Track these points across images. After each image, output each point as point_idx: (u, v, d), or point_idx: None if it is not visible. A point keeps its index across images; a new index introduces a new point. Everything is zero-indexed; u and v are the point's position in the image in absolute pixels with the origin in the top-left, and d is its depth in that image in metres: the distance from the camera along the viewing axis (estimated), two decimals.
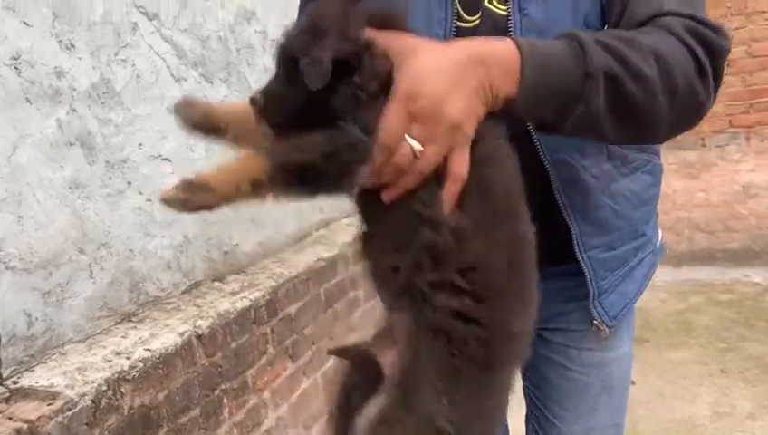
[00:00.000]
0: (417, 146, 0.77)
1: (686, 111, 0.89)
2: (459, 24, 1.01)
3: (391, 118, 0.78)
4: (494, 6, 1.01)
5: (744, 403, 2.97)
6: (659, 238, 1.24)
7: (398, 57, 0.80)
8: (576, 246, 1.08)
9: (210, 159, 2.30)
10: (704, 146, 4.84)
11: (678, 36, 0.86)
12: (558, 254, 1.08)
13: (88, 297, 1.71)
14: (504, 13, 0.99)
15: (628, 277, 1.16)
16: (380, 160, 0.78)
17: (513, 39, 0.82)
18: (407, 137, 0.77)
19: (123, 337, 1.75)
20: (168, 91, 2.11)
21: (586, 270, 1.10)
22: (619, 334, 1.21)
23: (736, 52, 4.76)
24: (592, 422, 1.24)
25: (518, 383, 1.34)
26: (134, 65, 1.96)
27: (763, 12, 4.69)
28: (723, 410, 2.94)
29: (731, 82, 4.75)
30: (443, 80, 0.77)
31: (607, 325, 1.14)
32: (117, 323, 1.81)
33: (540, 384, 1.28)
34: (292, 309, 2.44)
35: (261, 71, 2.69)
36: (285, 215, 2.82)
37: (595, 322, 1.14)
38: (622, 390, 1.28)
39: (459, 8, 1.01)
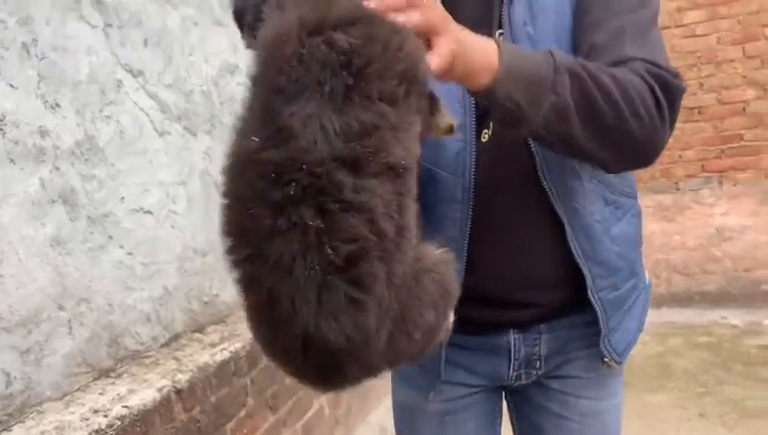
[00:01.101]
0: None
1: (645, 134, 0.94)
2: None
3: None
4: None
5: None
6: (647, 276, 1.32)
7: None
8: (589, 289, 1.14)
9: (192, 210, 2.33)
10: (678, 190, 4.96)
11: (638, 73, 0.93)
12: (568, 304, 1.17)
13: (66, 354, 1.72)
14: None
15: (628, 315, 1.23)
16: None
17: (497, 43, 0.87)
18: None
19: (101, 394, 1.74)
20: (152, 145, 2.15)
21: (598, 311, 1.16)
22: (614, 382, 1.27)
23: (707, 99, 4.93)
24: None
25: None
26: (118, 121, 2.00)
27: (732, 61, 4.87)
28: None
29: (703, 129, 4.91)
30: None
31: (616, 361, 1.20)
32: (95, 379, 1.81)
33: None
34: None
35: None
36: None
37: (606, 359, 1.20)
38: None
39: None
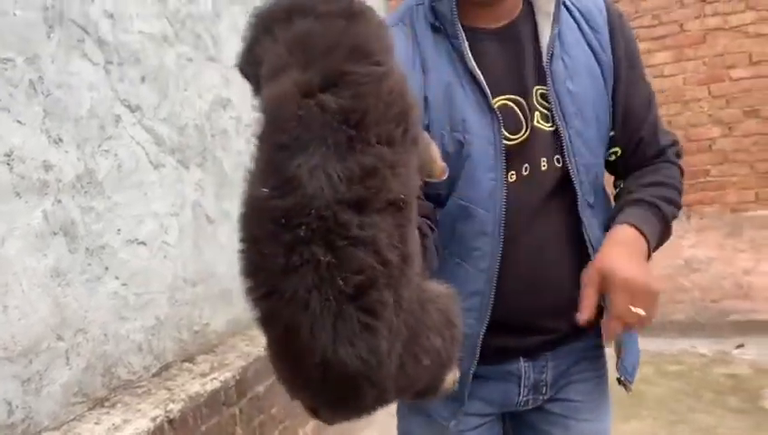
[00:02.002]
0: (640, 312, 1.11)
1: (681, 196, 1.32)
2: (506, 142, 1.20)
3: (618, 300, 1.11)
4: (542, 125, 1.22)
5: None
6: None
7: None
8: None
9: (183, 241, 2.39)
10: None
11: (674, 162, 1.31)
12: (578, 330, 1.26)
13: (64, 383, 1.75)
14: (550, 129, 1.22)
15: (632, 337, 1.34)
16: (617, 326, 1.13)
17: (630, 224, 1.19)
18: (631, 307, 1.11)
19: (96, 423, 1.77)
20: (147, 177, 2.21)
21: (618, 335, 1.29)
22: (607, 404, 1.38)
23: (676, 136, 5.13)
24: None
25: None
26: (116, 155, 2.06)
27: (699, 100, 5.10)
28: None
29: None
30: (634, 265, 1.13)
31: (629, 381, 1.32)
32: (90, 408, 1.84)
33: None
34: (261, 388, 2.48)
35: (235, 154, 2.83)
36: None
37: (622, 380, 1.31)
38: None
39: (504, 131, 1.20)
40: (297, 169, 0.73)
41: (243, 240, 0.79)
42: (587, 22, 1.26)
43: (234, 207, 2.78)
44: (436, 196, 1.22)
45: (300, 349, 0.75)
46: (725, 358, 4.61)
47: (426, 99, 1.20)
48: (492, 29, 1.24)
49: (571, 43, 1.24)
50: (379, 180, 0.76)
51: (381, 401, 0.83)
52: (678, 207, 1.28)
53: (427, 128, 1.20)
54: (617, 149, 1.32)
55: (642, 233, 1.17)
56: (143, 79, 2.22)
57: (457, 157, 1.19)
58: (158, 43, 2.30)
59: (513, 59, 1.23)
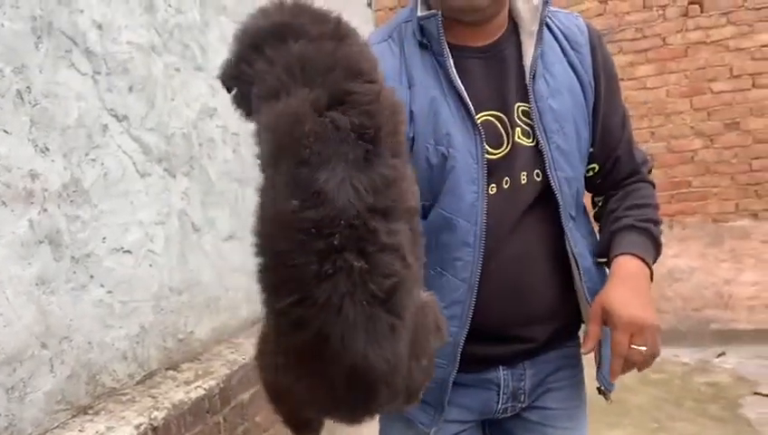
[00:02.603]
0: (641, 348, 1.17)
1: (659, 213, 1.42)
2: (488, 156, 1.25)
3: (620, 339, 1.17)
4: (522, 141, 1.28)
5: None
6: None
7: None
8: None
9: (169, 249, 2.40)
10: None
11: (651, 182, 1.42)
12: (555, 339, 1.34)
13: (47, 391, 1.75)
14: (531, 144, 1.28)
15: (608, 347, 1.37)
16: (619, 363, 1.18)
17: (632, 254, 1.27)
18: (632, 345, 1.17)
19: (80, 431, 1.78)
20: (133, 186, 2.23)
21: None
22: (583, 412, 1.42)
23: (658, 147, 5.22)
24: None
25: None
26: (103, 164, 2.07)
27: (681, 112, 5.19)
28: None
29: (654, 175, 5.17)
30: (636, 304, 1.20)
31: (608, 389, 1.36)
32: (74, 416, 1.85)
33: None
34: (245, 396, 2.49)
35: (221, 162, 2.85)
36: (240, 300, 2.91)
37: (602, 389, 1.36)
38: None
39: (486, 145, 1.26)
40: (324, 183, 0.78)
41: (265, 255, 0.83)
42: (568, 41, 1.32)
43: (220, 215, 2.80)
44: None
45: (331, 353, 0.79)
46: (706, 367, 4.67)
47: (411, 112, 1.25)
48: (477, 47, 1.29)
49: (553, 61, 1.30)
50: (399, 190, 0.83)
51: (392, 401, 0.87)
52: (661, 224, 1.36)
53: (413, 141, 1.24)
54: (594, 165, 1.38)
55: (645, 262, 1.25)
56: (131, 89, 2.24)
57: (441, 169, 1.23)
58: (146, 54, 2.32)
59: (496, 77, 1.28)
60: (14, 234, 1.69)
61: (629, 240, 1.28)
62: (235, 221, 2.90)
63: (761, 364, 4.59)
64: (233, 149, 2.95)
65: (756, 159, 5.04)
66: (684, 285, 5.14)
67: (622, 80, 5.30)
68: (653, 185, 1.42)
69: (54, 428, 1.76)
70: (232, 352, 2.61)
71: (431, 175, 1.24)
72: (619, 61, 5.11)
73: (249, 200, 3.02)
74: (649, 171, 1.42)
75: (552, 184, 1.26)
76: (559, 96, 1.28)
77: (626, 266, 1.25)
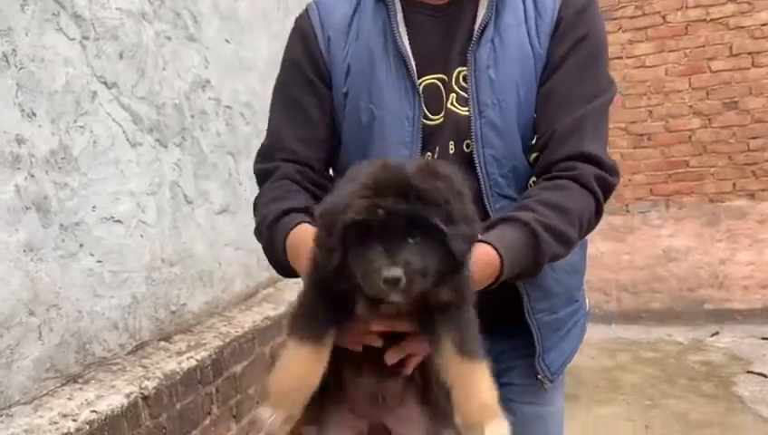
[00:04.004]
0: None
1: (584, 236, 1.22)
2: (425, 121, 1.20)
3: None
4: (456, 108, 1.21)
5: None
6: (588, 303, 1.45)
7: None
8: (525, 309, 1.27)
9: (161, 220, 2.37)
10: (627, 211, 5.20)
11: (591, 190, 1.16)
12: (507, 316, 1.26)
13: (36, 359, 1.74)
14: (465, 114, 1.20)
15: (566, 337, 1.35)
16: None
17: (495, 247, 1.06)
18: None
19: (69, 399, 1.76)
20: (124, 155, 2.19)
21: (534, 331, 1.28)
22: (555, 390, 1.38)
23: (656, 127, 5.19)
24: None
25: None
26: (92, 131, 2.04)
27: (679, 91, 5.16)
28: None
29: (651, 155, 5.17)
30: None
31: (549, 380, 1.32)
32: (63, 384, 1.83)
33: None
34: (238, 368, 2.48)
35: (213, 135, 2.81)
36: (234, 274, 2.89)
37: (539, 377, 1.31)
38: None
39: (425, 109, 1.19)
40: None
41: None
42: (535, 4, 1.22)
43: (213, 188, 2.77)
44: (346, 166, 1.23)
45: None
46: (700, 346, 4.70)
47: (349, 66, 1.22)
48: (434, 5, 1.24)
49: (510, 25, 1.21)
50: None
51: None
52: (569, 244, 1.14)
53: (346, 95, 1.21)
54: (534, 138, 1.23)
55: (501, 260, 1.06)
56: (120, 56, 2.20)
57: (369, 127, 1.20)
58: (136, 20, 2.28)
59: (445, 37, 1.23)
60: (0, 199, 1.66)
61: (506, 235, 1.09)
62: (228, 194, 2.87)
63: (754, 343, 4.62)
64: (226, 122, 2.91)
65: (754, 138, 5.03)
66: (679, 265, 5.14)
67: (620, 58, 5.29)
68: (597, 202, 1.18)
69: (43, 395, 1.74)
70: (225, 325, 2.60)
71: (360, 132, 1.21)
72: (618, 38, 5.07)
73: (243, 174, 2.99)
74: (603, 184, 1.17)
75: (476, 160, 1.19)
76: (503, 65, 1.19)
77: (475, 255, 1.06)
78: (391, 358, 1.00)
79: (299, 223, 1.16)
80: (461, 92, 1.20)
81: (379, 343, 1.00)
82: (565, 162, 1.16)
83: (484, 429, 0.91)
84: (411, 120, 1.18)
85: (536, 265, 1.12)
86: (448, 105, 1.20)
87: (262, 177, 1.31)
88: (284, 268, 1.21)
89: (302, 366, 0.95)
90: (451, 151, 1.21)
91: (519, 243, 1.08)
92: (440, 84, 1.21)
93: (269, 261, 1.27)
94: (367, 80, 1.20)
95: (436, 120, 1.21)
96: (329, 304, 0.96)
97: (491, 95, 1.18)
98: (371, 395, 1.07)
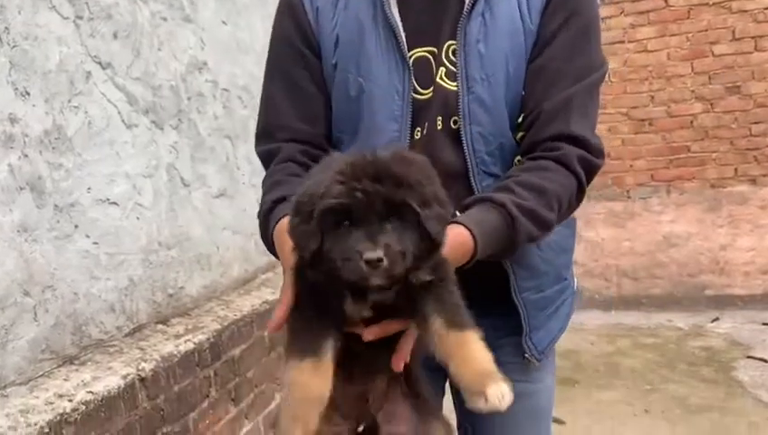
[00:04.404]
0: None
1: (563, 220, 1.21)
2: (414, 96, 1.17)
3: None
4: (445, 82, 1.18)
5: None
6: (576, 282, 1.43)
7: None
8: (512, 288, 1.25)
9: (158, 203, 2.36)
10: (629, 197, 5.18)
11: (573, 171, 1.15)
12: (494, 295, 1.24)
13: (31, 340, 1.73)
14: (454, 89, 1.17)
15: (554, 316, 1.33)
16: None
17: (468, 229, 1.04)
18: None
19: (65, 380, 1.76)
20: (119, 136, 2.17)
21: (521, 310, 1.26)
22: (544, 367, 1.37)
23: (658, 112, 5.16)
24: None
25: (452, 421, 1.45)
26: (86, 112, 2.02)
27: (681, 76, 5.12)
28: None
29: (652, 140, 5.13)
30: None
31: (536, 358, 1.31)
32: (59, 365, 1.82)
33: (473, 416, 1.39)
34: (236, 352, 2.48)
35: (211, 118, 2.78)
36: (232, 258, 2.87)
37: (526, 355, 1.30)
38: (546, 419, 1.42)
39: (415, 83, 1.17)
40: None
41: None
42: None
43: (210, 171, 2.75)
44: (338, 139, 1.23)
45: None
46: (700, 331, 4.69)
47: (338, 37, 1.19)
48: None
49: None
50: None
51: None
52: (546, 226, 1.13)
53: (335, 67, 1.19)
54: (521, 116, 1.21)
55: (475, 241, 1.05)
56: (115, 35, 2.17)
57: (357, 101, 1.18)
58: (130, 0, 2.25)
59: (436, 10, 1.20)
60: None
61: (482, 218, 1.08)
62: (226, 178, 2.85)
63: (755, 329, 4.61)
64: (223, 105, 2.88)
65: (756, 123, 4.99)
66: (680, 250, 5.12)
67: (622, 42, 5.25)
68: (579, 183, 1.16)
69: (39, 376, 1.73)
70: (223, 309, 2.59)
71: (349, 105, 1.18)
72: (620, 22, 5.03)
73: (241, 158, 2.97)
74: (586, 166, 1.16)
75: (463, 137, 1.16)
76: (493, 40, 1.17)
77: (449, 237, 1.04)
78: (368, 335, 0.98)
79: (286, 214, 1.14)
80: (450, 66, 1.18)
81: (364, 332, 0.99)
82: (550, 142, 1.15)
83: (486, 393, 0.91)
84: (401, 94, 1.16)
85: (512, 246, 1.11)
86: (437, 79, 1.18)
87: (266, 158, 1.29)
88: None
89: (308, 381, 0.93)
90: (439, 127, 1.19)
91: (494, 225, 1.07)
92: (430, 57, 1.19)
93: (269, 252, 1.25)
94: (356, 51, 1.17)
95: (426, 94, 1.19)
96: (320, 312, 0.96)
97: (480, 70, 1.16)
98: (360, 396, 1.07)
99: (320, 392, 0.93)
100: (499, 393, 0.91)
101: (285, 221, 1.10)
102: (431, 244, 0.92)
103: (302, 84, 1.25)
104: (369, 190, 0.87)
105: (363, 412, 1.08)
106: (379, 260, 0.85)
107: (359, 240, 0.87)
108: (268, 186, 1.24)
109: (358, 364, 1.03)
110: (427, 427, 1.07)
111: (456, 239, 1.02)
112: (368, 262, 0.85)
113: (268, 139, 1.29)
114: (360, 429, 1.10)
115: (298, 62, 1.25)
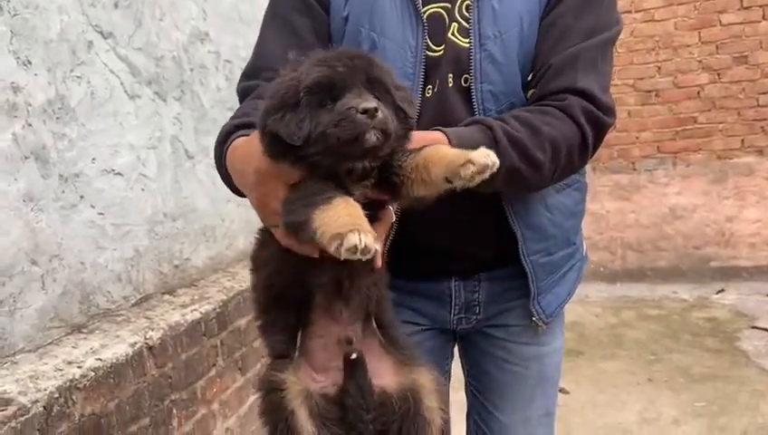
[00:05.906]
0: None
1: (563, 174, 1.17)
2: (427, 52, 1.17)
3: None
4: (457, 39, 1.18)
5: (670, 410, 3.17)
6: (585, 248, 1.42)
7: None
8: (521, 250, 1.25)
9: (163, 175, 2.36)
10: (634, 169, 5.15)
11: (577, 121, 1.11)
12: (503, 258, 1.27)
13: (39, 308, 1.74)
14: (466, 45, 1.17)
15: (561, 280, 1.34)
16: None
17: (443, 131, 1.04)
18: None
19: (74, 347, 1.78)
20: (122, 107, 2.17)
21: (529, 272, 1.26)
22: (552, 331, 1.38)
23: (664, 83, 5.10)
24: (529, 412, 1.39)
25: (459, 393, 1.47)
26: (89, 82, 2.01)
27: (688, 46, 5.05)
28: (650, 416, 3.14)
29: (658, 111, 5.09)
30: None
31: (544, 322, 1.32)
32: (67, 333, 1.84)
33: (481, 378, 1.41)
34: (243, 322, 2.50)
35: (214, 90, 2.77)
36: (237, 230, 2.88)
37: (534, 319, 1.31)
38: (554, 382, 1.44)
39: (428, 39, 1.16)
40: None
41: None
42: None
43: (213, 143, 2.74)
44: None
45: None
46: (705, 303, 4.70)
47: None
48: None
49: None
50: None
51: None
52: (534, 165, 1.09)
53: (346, 20, 1.17)
54: (532, 73, 1.19)
55: (449, 144, 1.04)
56: (116, 5, 2.15)
57: None
58: None
59: None
60: None
61: (467, 132, 1.07)
62: None
63: (760, 300, 4.61)
64: (225, 76, 2.87)
65: (764, 93, 4.94)
66: (685, 222, 5.11)
67: (629, 12, 5.18)
68: (582, 132, 1.13)
69: (47, 344, 1.75)
70: (228, 280, 2.60)
71: None
72: None
73: None
74: (591, 118, 1.13)
75: (473, 95, 1.15)
76: None
77: (428, 135, 1.05)
78: None
79: (243, 134, 1.09)
80: (463, 22, 1.17)
81: (316, 253, 0.96)
82: (556, 94, 1.13)
83: (470, 158, 0.90)
84: (414, 50, 1.15)
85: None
86: (449, 35, 1.17)
87: (243, 95, 1.26)
88: (233, 186, 1.15)
89: (346, 209, 0.89)
90: (450, 85, 1.18)
91: (476, 138, 1.04)
92: (444, 13, 1.17)
93: (223, 182, 1.21)
94: (369, 5, 1.16)
95: (438, 51, 1.18)
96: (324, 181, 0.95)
97: (493, 26, 1.15)
98: (346, 339, 1.07)
99: (360, 212, 0.89)
100: (483, 153, 0.91)
101: (243, 139, 1.08)
102: (406, 124, 0.96)
103: (302, 33, 1.23)
104: (349, 65, 0.92)
105: (349, 353, 1.08)
106: (376, 109, 0.87)
107: (350, 100, 0.89)
108: (234, 115, 1.21)
109: (345, 306, 1.06)
110: (411, 376, 1.09)
111: (430, 135, 1.03)
112: (365, 111, 0.87)
113: (250, 77, 1.26)
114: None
115: (302, 9, 1.23)
